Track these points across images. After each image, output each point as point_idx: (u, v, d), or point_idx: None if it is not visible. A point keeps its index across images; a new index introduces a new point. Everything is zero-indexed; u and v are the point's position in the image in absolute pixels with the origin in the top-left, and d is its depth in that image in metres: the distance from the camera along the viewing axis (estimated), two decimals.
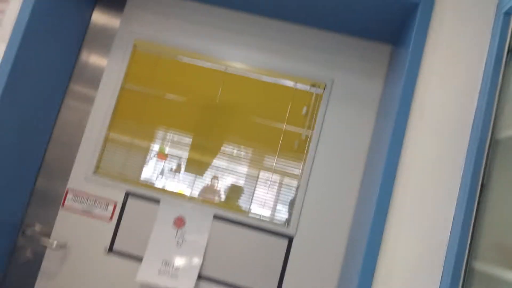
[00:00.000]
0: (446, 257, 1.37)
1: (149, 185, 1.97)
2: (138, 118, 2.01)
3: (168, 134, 1.99)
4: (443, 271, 1.35)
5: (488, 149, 1.37)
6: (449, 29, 1.52)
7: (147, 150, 1.99)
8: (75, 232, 1.94)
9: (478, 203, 1.36)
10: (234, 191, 1.94)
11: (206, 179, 1.96)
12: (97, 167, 1.99)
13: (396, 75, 1.69)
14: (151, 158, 1.99)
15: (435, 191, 1.43)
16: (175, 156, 1.98)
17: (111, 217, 1.95)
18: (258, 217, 1.91)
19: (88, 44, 2.08)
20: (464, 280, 1.30)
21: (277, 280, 1.85)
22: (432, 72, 1.49)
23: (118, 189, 1.96)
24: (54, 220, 1.96)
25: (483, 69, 1.48)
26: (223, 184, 1.95)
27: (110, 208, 1.95)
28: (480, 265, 1.27)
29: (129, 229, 1.93)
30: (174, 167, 1.98)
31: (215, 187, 1.96)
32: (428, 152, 1.45)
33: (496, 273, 1.18)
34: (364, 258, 1.41)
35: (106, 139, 2.00)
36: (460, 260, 1.31)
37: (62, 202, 1.97)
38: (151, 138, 2.00)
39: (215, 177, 1.96)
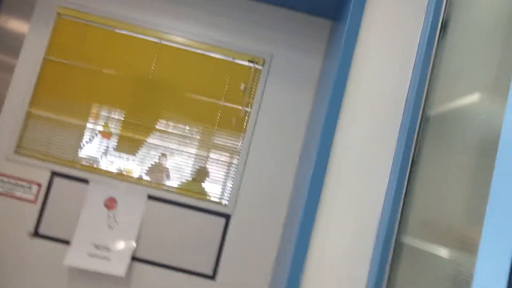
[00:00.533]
0: (377, 231, 1.38)
1: (77, 164, 1.84)
2: (64, 93, 1.85)
3: (98, 110, 1.86)
4: (374, 245, 1.37)
5: (419, 126, 1.39)
6: (386, 4, 1.50)
7: (75, 127, 1.85)
8: None
9: (409, 180, 1.38)
10: (179, 170, 1.87)
11: (138, 159, 1.86)
12: (18, 146, 1.83)
13: (334, 51, 1.66)
14: (83, 136, 1.85)
15: (369, 167, 1.43)
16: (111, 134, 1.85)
17: (35, 199, 1.81)
18: (194, 196, 1.84)
19: (7, 7, 1.88)
20: (394, 254, 1.32)
21: (214, 260, 1.81)
22: (368, 48, 1.48)
23: (42, 169, 1.82)
24: None
25: (417, 45, 1.48)
26: (168, 163, 1.87)
27: (34, 189, 1.81)
28: (409, 240, 1.30)
29: (55, 211, 1.80)
30: (105, 146, 1.86)
31: (163, 166, 1.86)
32: (363, 128, 1.45)
33: (423, 248, 1.20)
34: (299, 234, 1.40)
35: (28, 116, 1.84)
36: (390, 234, 1.33)
37: None
38: (78, 115, 1.86)
39: (163, 155, 1.86)
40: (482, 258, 0.71)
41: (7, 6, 1.88)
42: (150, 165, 1.85)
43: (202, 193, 1.85)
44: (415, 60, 1.50)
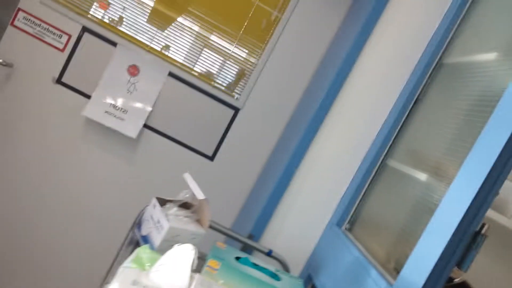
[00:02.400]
0: (368, 151, 1.58)
1: (109, 25, 1.92)
2: None
3: None
4: (362, 161, 1.58)
5: (433, 70, 1.53)
6: None
7: None
8: (23, 54, 1.89)
9: (409, 113, 1.55)
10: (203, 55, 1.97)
11: (167, 35, 1.95)
12: None
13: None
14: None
15: (376, 96, 1.59)
16: (144, 3, 1.91)
17: (64, 49, 1.91)
18: (211, 84, 1.98)
19: None
20: (376, 172, 1.54)
21: (216, 145, 2.01)
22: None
23: (74, 22, 1.89)
24: (1, 38, 1.88)
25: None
26: (195, 47, 1.96)
27: (64, 39, 1.90)
28: (393, 163, 1.51)
29: (80, 64, 1.92)
30: (137, 14, 1.93)
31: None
32: (381, 59, 1.58)
33: (403, 170, 1.41)
34: (298, 145, 1.58)
35: None
36: (379, 156, 1.53)
37: (11, 20, 1.87)
38: None
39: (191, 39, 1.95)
40: (453, 188, 0.90)
41: None
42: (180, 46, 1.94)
43: (218, 83, 1.99)
44: (447, 10, 1.59)
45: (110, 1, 1.89)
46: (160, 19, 1.93)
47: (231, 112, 1.99)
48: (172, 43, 1.95)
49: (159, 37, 1.95)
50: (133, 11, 1.92)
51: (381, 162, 1.57)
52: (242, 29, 1.95)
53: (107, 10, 1.90)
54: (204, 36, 1.96)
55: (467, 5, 1.51)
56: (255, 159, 2.03)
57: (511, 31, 1.18)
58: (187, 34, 1.96)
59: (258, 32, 1.96)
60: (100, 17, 1.91)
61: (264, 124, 2.02)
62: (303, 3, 1.95)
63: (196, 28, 1.95)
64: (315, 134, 1.58)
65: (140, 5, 1.92)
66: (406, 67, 1.58)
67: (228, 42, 1.97)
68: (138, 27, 1.93)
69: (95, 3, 1.90)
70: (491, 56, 1.29)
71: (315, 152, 1.59)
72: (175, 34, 1.95)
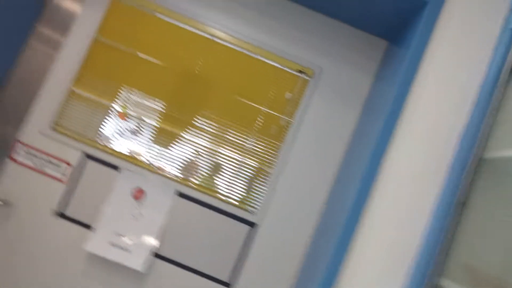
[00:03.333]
0: (412, 272, 1.33)
1: (110, 149, 1.82)
2: (107, 75, 1.83)
3: (138, 97, 1.83)
4: (411, 279, 1.32)
5: (473, 167, 1.33)
6: (454, 35, 1.44)
7: (113, 111, 1.83)
8: (22, 189, 1.77)
9: (455, 221, 1.32)
10: (212, 170, 1.83)
11: (171, 153, 1.83)
12: (56, 123, 1.81)
13: (390, 73, 1.61)
14: (116, 120, 1.83)
15: (412, 201, 1.38)
16: (146, 123, 1.83)
17: (64, 179, 1.79)
18: (224, 199, 1.81)
19: None
20: None
21: (232, 268, 1.78)
22: (429, 77, 1.42)
23: (75, 149, 1.80)
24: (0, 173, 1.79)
25: (482, 82, 1.42)
26: (202, 162, 1.83)
27: (64, 168, 1.79)
28: (447, 283, 1.24)
29: (82, 194, 1.78)
30: (139, 133, 1.83)
31: (196, 165, 1.82)
32: (413, 159, 1.39)
33: None
34: (332, 258, 1.35)
35: (70, 93, 1.82)
36: (426, 276, 1.27)
37: (10, 154, 1.79)
38: (119, 98, 1.83)
39: (198, 154, 1.82)
40: None
41: None
42: (184, 162, 1.82)
43: (230, 198, 1.81)
44: (478, 97, 1.44)
45: (128, 111, 1.81)
46: (164, 136, 1.82)
47: (246, 228, 1.79)
48: (176, 160, 1.82)
49: (164, 154, 1.82)
50: (144, 130, 1.83)
51: (430, 281, 1.31)
52: (252, 138, 1.83)
53: (124, 121, 1.81)
54: (213, 149, 1.83)
55: (498, 94, 1.36)
56: (279, 284, 1.77)
57: None
58: (193, 149, 1.83)
59: (269, 139, 1.83)
60: (101, 143, 1.82)
61: (287, 240, 1.79)
62: (314, 106, 1.84)
63: (202, 142, 1.83)
64: (347, 247, 1.35)
65: (145, 124, 1.83)
66: (441, 166, 1.39)
67: (237, 153, 1.83)
68: (141, 147, 1.82)
69: (114, 114, 1.81)
70: None
71: (350, 269, 1.34)
72: (180, 150, 1.83)
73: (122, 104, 1.81)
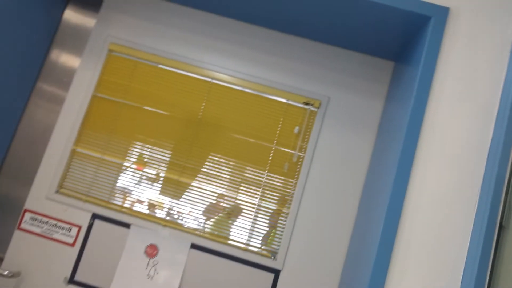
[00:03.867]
0: None
1: (119, 207, 1.74)
2: (110, 131, 1.78)
3: (144, 150, 1.77)
4: None
5: (508, 183, 1.20)
6: (463, 44, 1.36)
7: (119, 167, 1.77)
8: (31, 258, 1.70)
9: (495, 247, 1.19)
10: (227, 218, 1.73)
11: (183, 203, 1.74)
12: (60, 186, 1.75)
13: (401, 94, 1.51)
14: (125, 174, 1.76)
15: (444, 228, 1.25)
16: (155, 175, 1.76)
17: (74, 243, 1.71)
18: (241, 247, 1.69)
19: (59, 43, 1.86)
20: None
21: None
22: (445, 90, 1.32)
23: (83, 211, 1.73)
24: (8, 243, 1.72)
25: (502, 90, 1.31)
26: (217, 210, 1.74)
27: (74, 232, 1.71)
28: None
29: (94, 256, 1.69)
30: (152, 184, 1.76)
31: (221, 207, 1.72)
32: (439, 183, 1.27)
33: None
34: None
35: (73, 154, 1.77)
36: None
37: (18, 223, 1.72)
38: (123, 154, 1.77)
39: (220, 196, 1.73)
40: None
41: (60, 40, 1.87)
42: (205, 206, 1.72)
43: (249, 245, 1.69)
44: (499, 109, 1.33)
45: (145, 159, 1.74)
46: (173, 187, 1.74)
47: (271, 276, 1.66)
48: (189, 210, 1.73)
49: (176, 206, 1.74)
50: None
51: None
52: (265, 179, 1.73)
53: (143, 170, 1.75)
54: (225, 195, 1.74)
55: None
56: None
57: None
58: (205, 197, 1.74)
59: (283, 177, 1.73)
60: (109, 201, 1.75)
61: (312, 283, 1.65)
62: (325, 137, 1.75)
63: (213, 188, 1.74)
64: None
65: (154, 177, 1.76)
66: (471, 187, 1.26)
67: (252, 197, 1.73)
68: (152, 200, 1.74)
69: (131, 166, 1.75)
70: None
71: None
72: (192, 200, 1.74)
73: (137, 155, 1.75)
